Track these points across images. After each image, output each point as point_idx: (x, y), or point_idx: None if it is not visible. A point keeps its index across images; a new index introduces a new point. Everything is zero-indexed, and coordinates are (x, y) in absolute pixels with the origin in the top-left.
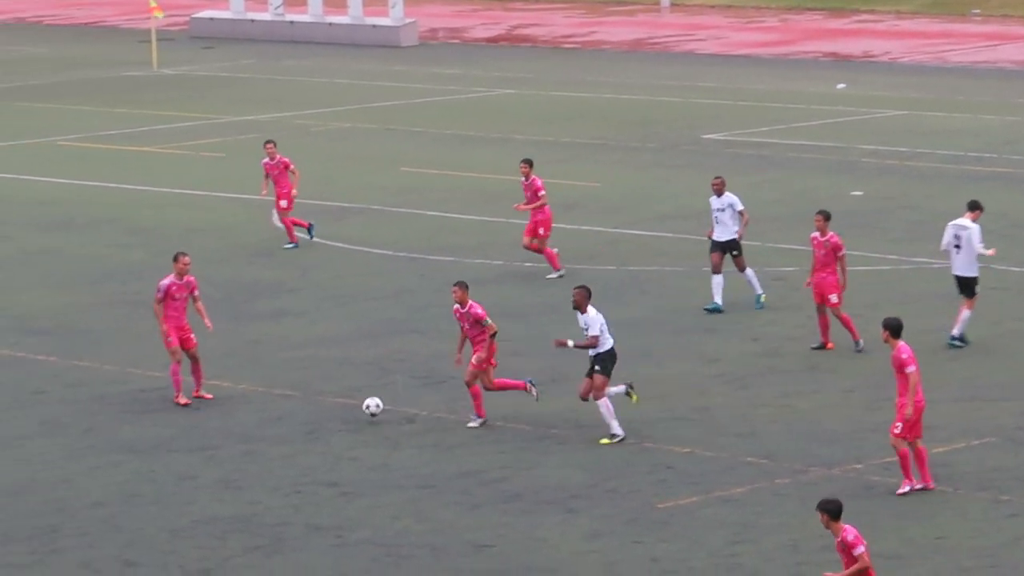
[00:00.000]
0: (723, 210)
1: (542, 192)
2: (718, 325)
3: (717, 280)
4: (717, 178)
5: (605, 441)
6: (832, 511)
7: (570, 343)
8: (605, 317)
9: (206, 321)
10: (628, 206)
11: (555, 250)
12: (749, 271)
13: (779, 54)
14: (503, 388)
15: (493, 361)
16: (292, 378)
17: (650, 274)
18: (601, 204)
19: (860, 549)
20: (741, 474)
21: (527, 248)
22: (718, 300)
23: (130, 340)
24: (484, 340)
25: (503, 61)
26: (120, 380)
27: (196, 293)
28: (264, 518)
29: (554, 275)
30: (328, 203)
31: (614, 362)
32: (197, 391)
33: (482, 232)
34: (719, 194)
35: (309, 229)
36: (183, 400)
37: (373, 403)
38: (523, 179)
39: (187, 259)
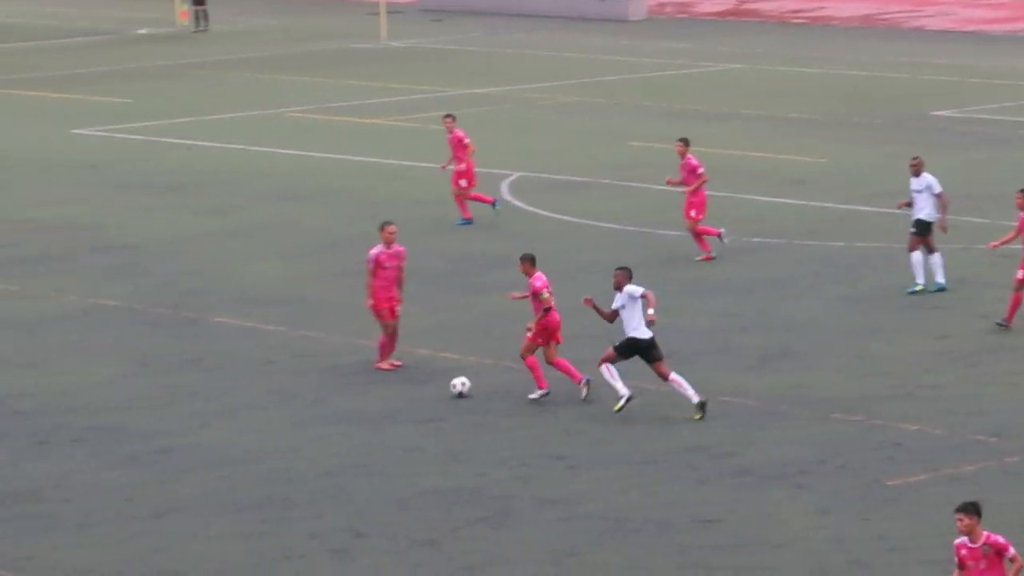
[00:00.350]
0: (920, 191)
1: (701, 170)
2: (946, 302)
3: (935, 260)
4: (915, 158)
5: (617, 408)
6: (980, 513)
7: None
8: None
9: (399, 292)
10: (856, 182)
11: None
12: (917, 254)
13: (1010, 31)
14: (561, 370)
15: (559, 337)
16: (519, 350)
17: (878, 251)
18: (829, 180)
19: (1013, 550)
20: (970, 452)
21: (689, 231)
22: (940, 280)
23: (357, 311)
24: (539, 313)
25: (730, 36)
26: (348, 351)
27: (403, 264)
28: (491, 490)
29: (703, 256)
30: (556, 176)
31: (636, 349)
32: (397, 361)
33: (709, 207)
34: (917, 175)
35: (494, 204)
36: (386, 365)
37: (462, 382)
38: (680, 158)
39: (393, 228)
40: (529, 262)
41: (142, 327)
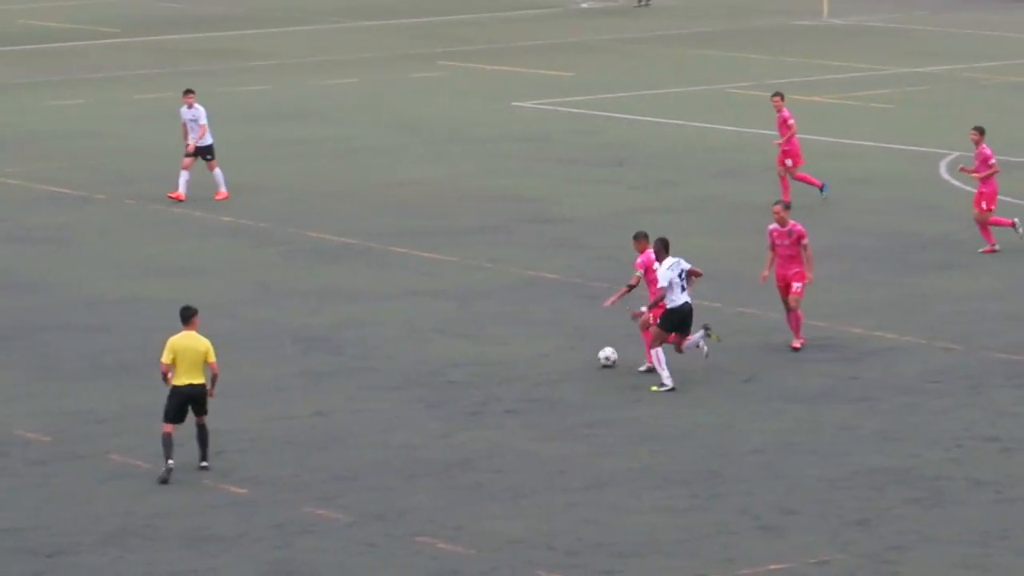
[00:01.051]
0: None
1: (992, 161)
2: None
3: None
4: None
5: (654, 388)
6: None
7: (643, 309)
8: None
9: (804, 272)
10: None
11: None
12: None
13: None
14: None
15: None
16: (955, 331)
17: None
18: None
19: None
20: None
21: (976, 221)
22: None
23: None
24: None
25: None
26: (783, 328)
27: (804, 242)
28: (923, 471)
29: (987, 247)
30: (997, 157)
31: (676, 320)
32: (796, 341)
33: None
34: None
35: (821, 188)
36: (797, 343)
37: (612, 351)
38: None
39: (776, 207)
40: (643, 239)
41: (579, 300)
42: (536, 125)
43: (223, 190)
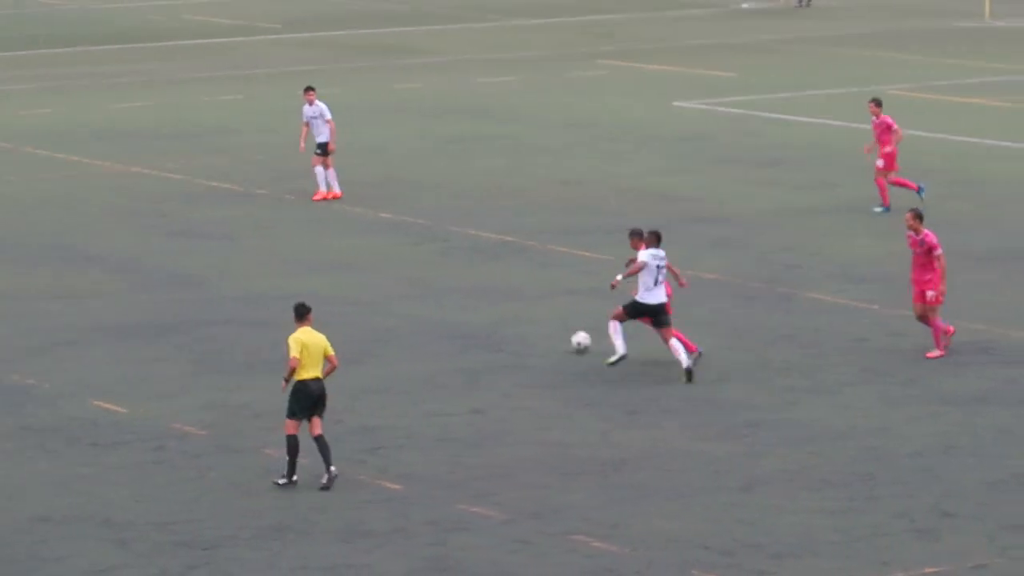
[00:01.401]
0: None
1: None
2: None
3: None
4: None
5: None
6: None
7: (618, 277)
8: None
9: (936, 280)
10: None
11: None
12: None
13: None
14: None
15: (669, 309)
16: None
17: None
18: None
19: None
20: None
21: None
22: None
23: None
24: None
25: None
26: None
27: (936, 253)
28: None
29: None
30: None
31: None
32: (934, 351)
33: None
34: None
35: (919, 191)
36: (932, 353)
37: (581, 339)
38: None
39: (907, 215)
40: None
41: (737, 300)
42: (697, 125)
43: (322, 190)
